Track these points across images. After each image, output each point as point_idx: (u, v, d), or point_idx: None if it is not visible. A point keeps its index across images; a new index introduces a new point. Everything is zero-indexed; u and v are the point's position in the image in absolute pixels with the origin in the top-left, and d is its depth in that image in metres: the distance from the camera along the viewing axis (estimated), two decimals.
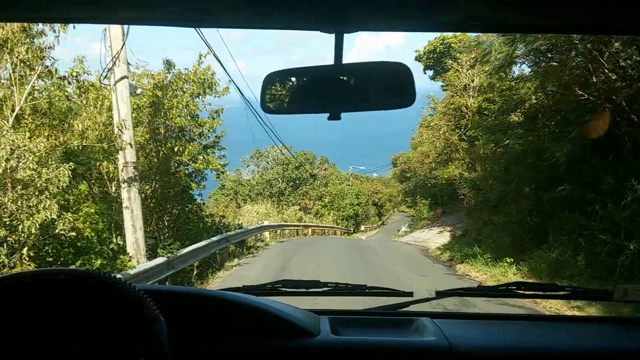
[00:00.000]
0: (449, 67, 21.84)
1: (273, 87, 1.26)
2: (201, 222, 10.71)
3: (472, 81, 19.94)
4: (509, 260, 10.13)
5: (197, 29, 6.15)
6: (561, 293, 1.76)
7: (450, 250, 14.66)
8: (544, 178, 11.05)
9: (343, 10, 0.96)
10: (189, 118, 8.95)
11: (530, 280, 8.89)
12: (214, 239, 9.64)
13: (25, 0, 0.92)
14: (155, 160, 8.10)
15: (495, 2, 0.94)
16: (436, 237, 22.49)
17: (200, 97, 9.18)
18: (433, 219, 27.00)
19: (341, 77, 1.19)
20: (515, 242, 12.36)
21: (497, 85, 14.25)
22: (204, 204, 12.53)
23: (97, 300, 0.94)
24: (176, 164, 8.70)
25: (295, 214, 30.81)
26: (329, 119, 1.19)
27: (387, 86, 1.22)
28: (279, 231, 23.86)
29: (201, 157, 8.53)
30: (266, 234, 20.35)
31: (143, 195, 7.83)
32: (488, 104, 16.52)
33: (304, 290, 1.79)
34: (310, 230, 30.95)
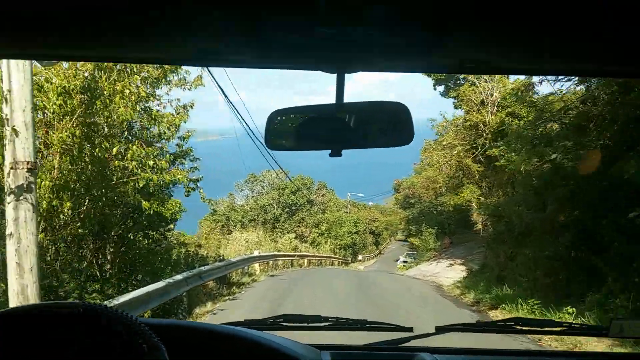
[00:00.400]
0: (463, 80, 19.79)
1: (277, 125, 1.30)
2: (163, 254, 8.31)
3: (492, 95, 17.92)
4: (570, 310, 7.73)
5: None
6: (558, 329, 1.78)
7: (473, 290, 12.24)
8: (600, 200, 8.78)
9: (344, 52, 1.01)
10: (138, 109, 6.55)
11: None
12: (177, 277, 7.28)
13: (30, 38, 0.97)
14: (90, 167, 5.73)
15: (489, 48, 1.00)
16: (446, 271, 20.09)
17: (161, 84, 6.93)
18: (440, 250, 24.58)
19: (342, 116, 1.23)
20: (558, 283, 10.00)
21: (527, 95, 12.19)
22: (169, 230, 9.88)
23: (97, 332, 0.92)
24: (124, 174, 6.26)
25: (290, 242, 28.34)
26: (331, 155, 1.22)
27: (386, 125, 1.27)
28: (271, 262, 21.39)
29: (151, 163, 6.05)
30: (256, 265, 17.87)
31: (68, 217, 5.58)
32: (512, 119, 14.42)
33: (305, 324, 1.80)
34: (306, 260, 28.46)
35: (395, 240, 76.27)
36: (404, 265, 32.55)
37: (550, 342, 6.71)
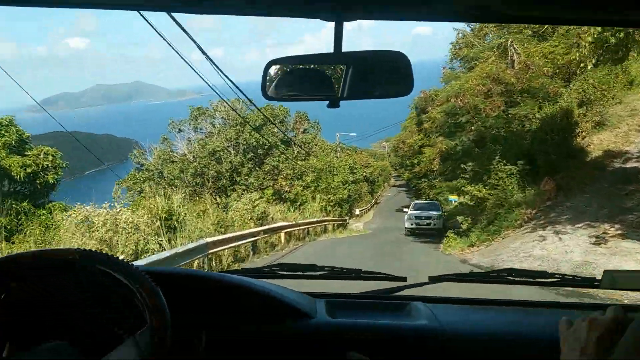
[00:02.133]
0: None
1: (273, 74, 1.26)
2: None
3: None
4: None
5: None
6: (550, 280, 1.81)
7: None
8: None
9: None
10: None
11: None
12: None
13: None
14: None
15: None
16: (605, 259, 8.51)
17: None
18: (538, 203, 12.69)
19: (341, 65, 1.20)
20: None
21: None
22: None
23: (100, 277, 0.97)
24: None
25: (254, 207, 16.21)
26: (328, 106, 1.21)
27: (386, 75, 1.23)
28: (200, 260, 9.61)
29: None
30: None
31: None
32: None
33: (301, 273, 1.82)
34: (282, 235, 16.68)
35: (389, 186, 70.66)
36: (421, 221, 21.09)
37: None
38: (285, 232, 17.33)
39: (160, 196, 11.12)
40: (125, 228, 9.32)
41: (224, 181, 22.60)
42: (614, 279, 1.66)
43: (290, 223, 18.13)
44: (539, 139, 13.56)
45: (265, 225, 15.97)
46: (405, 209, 27.70)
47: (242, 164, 23.35)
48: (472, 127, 15.43)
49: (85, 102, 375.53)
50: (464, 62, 20.41)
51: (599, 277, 1.68)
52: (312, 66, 1.27)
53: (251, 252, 13.55)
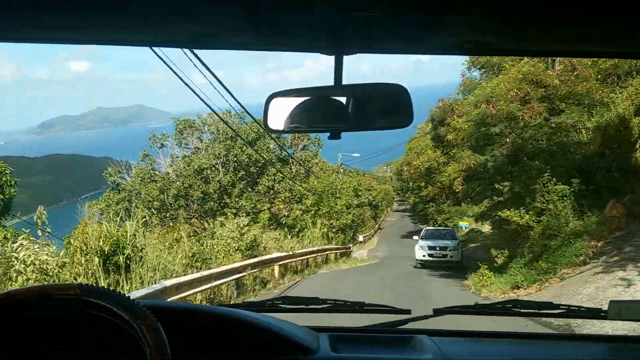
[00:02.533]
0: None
1: (275, 107, 1.28)
2: None
3: None
4: None
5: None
6: (556, 312, 1.77)
7: None
8: None
9: (343, 34, 1.00)
10: None
11: None
12: None
13: (22, 17, 0.94)
14: None
15: (489, 29, 0.99)
16: None
17: None
18: (607, 232, 9.75)
19: (341, 98, 1.21)
20: None
21: None
22: None
23: (101, 311, 0.97)
24: None
25: (241, 233, 13.24)
26: (330, 138, 1.23)
27: (386, 107, 1.25)
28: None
29: None
30: None
31: None
32: None
33: (304, 306, 1.81)
34: (276, 269, 13.74)
35: (392, 211, 68.96)
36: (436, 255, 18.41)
37: None
38: (280, 265, 14.41)
39: (106, 222, 8.22)
40: (23, 271, 6.34)
41: (212, 203, 19.67)
42: (620, 309, 1.63)
43: (286, 253, 15.21)
44: (596, 153, 10.74)
45: (256, 256, 13.12)
46: (414, 236, 24.74)
47: (232, 183, 20.44)
48: (507, 139, 12.61)
49: (85, 125, 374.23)
50: (487, 69, 17.79)
51: (606, 308, 1.65)
52: (312, 98, 1.25)
53: (235, 292, 10.67)
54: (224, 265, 10.35)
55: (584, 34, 0.99)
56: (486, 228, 38.19)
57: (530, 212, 11.29)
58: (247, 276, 10.60)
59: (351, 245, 29.98)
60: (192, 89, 9.67)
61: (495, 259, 12.55)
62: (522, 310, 1.77)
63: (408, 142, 51.85)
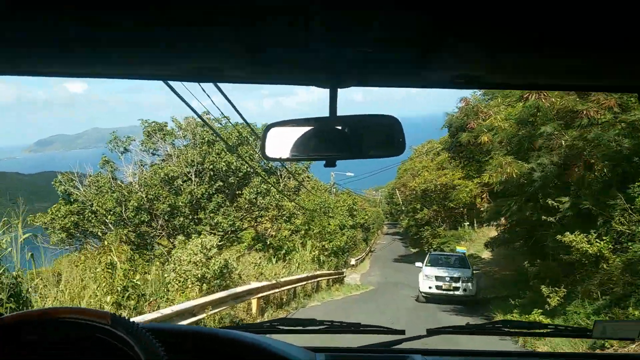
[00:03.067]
0: None
1: (273, 137, 1.32)
2: None
3: None
4: None
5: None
6: (544, 331, 1.86)
7: None
8: None
9: (338, 69, 1.05)
10: None
11: None
12: None
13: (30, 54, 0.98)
14: None
15: (479, 64, 1.04)
16: None
17: None
18: None
19: (336, 128, 1.25)
20: None
21: None
22: None
23: (103, 336, 0.97)
24: None
25: (207, 258, 9.92)
26: (325, 166, 1.30)
27: (379, 137, 1.29)
28: None
29: None
30: None
31: None
32: None
33: (301, 328, 1.86)
34: (254, 302, 10.43)
35: (382, 234, 67.25)
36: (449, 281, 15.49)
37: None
38: (260, 298, 11.09)
39: None
40: None
41: (182, 219, 16.26)
42: (605, 329, 1.66)
43: (269, 282, 11.91)
44: None
45: (226, 288, 9.83)
46: (417, 263, 21.47)
47: (208, 196, 17.05)
48: (562, 141, 9.55)
49: (81, 144, 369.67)
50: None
51: (591, 328, 1.68)
52: (308, 129, 1.29)
53: None
54: (175, 303, 7.10)
55: (571, 68, 1.03)
56: (485, 254, 35.17)
57: (605, 238, 8.19)
58: (207, 318, 7.34)
59: (344, 270, 26.67)
60: (202, 118, 6.69)
61: (548, 299, 9.35)
62: (512, 330, 1.89)
63: (401, 164, 49.29)
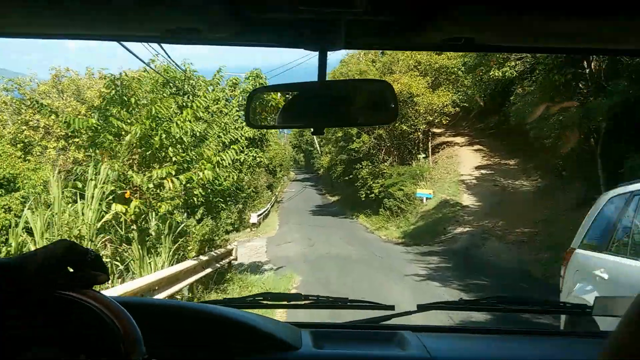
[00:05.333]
0: None
1: (258, 103, 1.28)
2: None
3: None
4: None
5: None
6: (542, 308, 1.82)
7: None
8: None
9: (326, 31, 1.00)
10: None
11: None
12: None
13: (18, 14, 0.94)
14: None
15: (472, 25, 0.97)
16: None
17: None
18: None
19: (325, 94, 1.18)
20: None
21: None
22: None
23: (72, 309, 0.88)
24: None
25: None
26: (313, 133, 1.22)
27: (370, 103, 1.24)
28: None
29: None
30: None
31: None
32: None
33: (286, 302, 1.82)
34: None
35: (289, 180, 60.46)
36: None
37: None
38: None
39: None
40: None
41: None
42: (606, 305, 1.64)
43: None
44: None
45: None
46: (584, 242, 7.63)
47: None
48: None
49: None
50: None
51: (591, 304, 1.67)
52: (295, 94, 1.24)
53: None
54: None
55: (574, 30, 0.99)
56: (467, 200, 22.42)
57: None
58: None
59: (232, 243, 12.07)
60: None
61: None
62: (507, 306, 1.79)
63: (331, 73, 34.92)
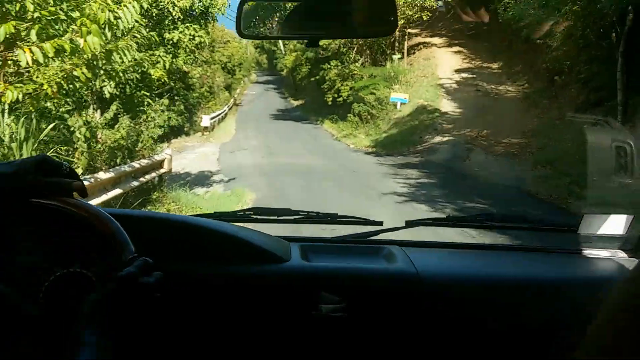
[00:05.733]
0: None
1: (249, 12, 1.19)
2: None
3: None
4: None
5: None
6: (528, 225, 1.82)
7: None
8: None
9: None
10: None
11: None
12: None
13: None
14: None
15: None
16: None
17: None
18: None
19: (321, 3, 1.14)
20: None
21: None
22: None
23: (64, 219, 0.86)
24: None
25: None
26: (308, 45, 1.17)
27: (368, 14, 1.15)
28: None
29: None
30: None
31: None
32: None
33: (276, 217, 1.80)
34: None
35: (250, 82, 56.01)
36: None
37: None
38: None
39: None
40: None
41: None
42: (592, 223, 1.61)
43: None
44: None
45: None
46: None
47: None
48: None
49: None
50: None
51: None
52: (289, 3, 1.16)
53: None
54: None
55: None
56: (446, 105, 20.13)
57: None
58: None
59: (165, 152, 9.38)
60: None
61: None
62: (494, 223, 1.80)
63: None
